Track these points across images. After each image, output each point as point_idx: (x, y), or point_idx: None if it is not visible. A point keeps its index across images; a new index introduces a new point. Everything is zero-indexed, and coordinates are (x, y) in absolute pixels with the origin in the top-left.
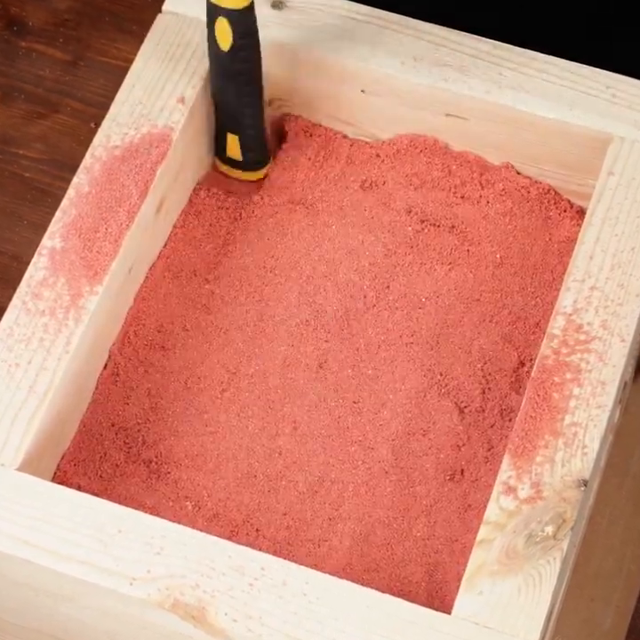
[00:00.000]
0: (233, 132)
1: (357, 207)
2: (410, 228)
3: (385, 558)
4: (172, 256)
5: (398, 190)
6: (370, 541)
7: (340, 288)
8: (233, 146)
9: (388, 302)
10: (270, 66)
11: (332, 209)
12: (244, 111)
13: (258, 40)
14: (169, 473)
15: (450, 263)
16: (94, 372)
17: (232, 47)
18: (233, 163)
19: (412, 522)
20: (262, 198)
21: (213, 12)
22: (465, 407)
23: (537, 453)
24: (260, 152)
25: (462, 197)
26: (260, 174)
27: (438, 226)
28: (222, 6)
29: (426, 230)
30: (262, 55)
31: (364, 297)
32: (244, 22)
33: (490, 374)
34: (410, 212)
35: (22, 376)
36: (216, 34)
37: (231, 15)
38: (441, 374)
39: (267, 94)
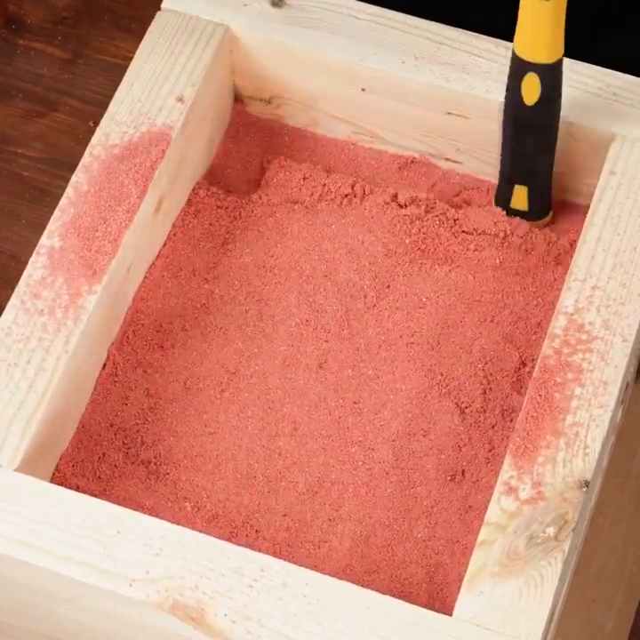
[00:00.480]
0: (523, 184)
1: (357, 206)
2: (410, 228)
3: (385, 559)
4: (171, 255)
5: (399, 189)
6: (370, 542)
7: (340, 288)
8: (520, 197)
9: (388, 302)
10: (270, 64)
11: (332, 208)
12: (539, 163)
13: (561, 90)
14: (168, 474)
15: (450, 263)
16: (93, 372)
17: (538, 101)
18: (515, 212)
19: (412, 523)
20: (261, 197)
21: (522, 68)
22: (466, 407)
23: (538, 454)
24: (546, 201)
25: (464, 198)
26: (541, 223)
27: (439, 225)
28: (534, 62)
29: (426, 230)
30: (264, 53)
31: (365, 297)
32: (554, 76)
33: (491, 374)
34: (410, 211)
35: (21, 376)
36: (522, 88)
37: (542, 70)
38: (442, 374)
39: (266, 92)
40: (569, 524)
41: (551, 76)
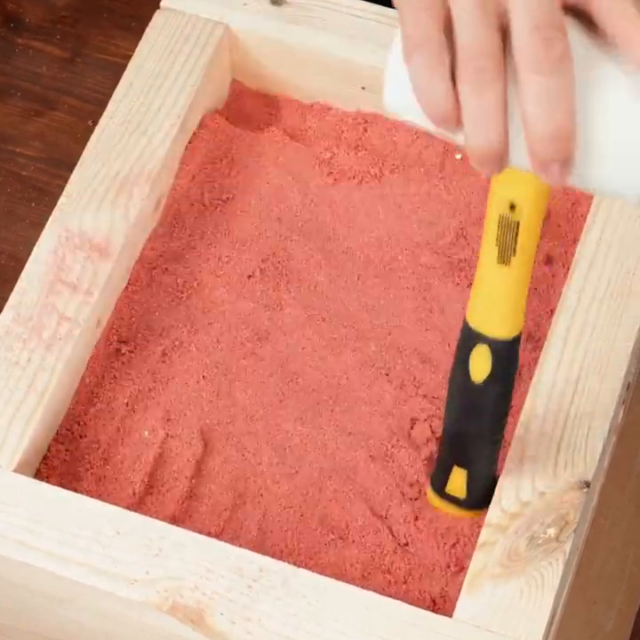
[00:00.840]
0: (462, 467)
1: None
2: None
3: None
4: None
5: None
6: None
7: None
8: (457, 482)
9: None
10: (270, 63)
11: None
12: (483, 448)
13: (517, 369)
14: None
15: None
16: None
17: (487, 379)
18: (451, 499)
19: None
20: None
21: (472, 339)
22: None
23: (539, 454)
24: (489, 490)
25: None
26: (480, 513)
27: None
28: (487, 335)
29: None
30: (264, 52)
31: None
32: (509, 352)
33: None
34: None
35: (21, 374)
36: (470, 362)
37: (496, 345)
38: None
39: (267, 90)
40: (570, 525)
41: (505, 353)
